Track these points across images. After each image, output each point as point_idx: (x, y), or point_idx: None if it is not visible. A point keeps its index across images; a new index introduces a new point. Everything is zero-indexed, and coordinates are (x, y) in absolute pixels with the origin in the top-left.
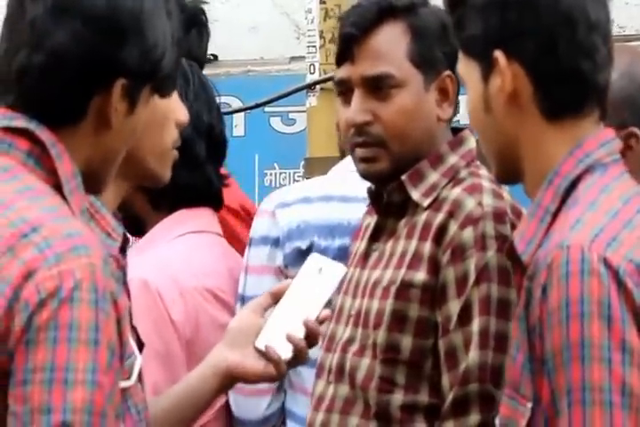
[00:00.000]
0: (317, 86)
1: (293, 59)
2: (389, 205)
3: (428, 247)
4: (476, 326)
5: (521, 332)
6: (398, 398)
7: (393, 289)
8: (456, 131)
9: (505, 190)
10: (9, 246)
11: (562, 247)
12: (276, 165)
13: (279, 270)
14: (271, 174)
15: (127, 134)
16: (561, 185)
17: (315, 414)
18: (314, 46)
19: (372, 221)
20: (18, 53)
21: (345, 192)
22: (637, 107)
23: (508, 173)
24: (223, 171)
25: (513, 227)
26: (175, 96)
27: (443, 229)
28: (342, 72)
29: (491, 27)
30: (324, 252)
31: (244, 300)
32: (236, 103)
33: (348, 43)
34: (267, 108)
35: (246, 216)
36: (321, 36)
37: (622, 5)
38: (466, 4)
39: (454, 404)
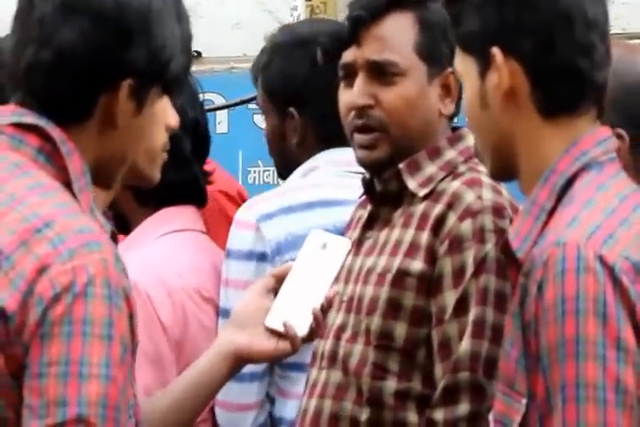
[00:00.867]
0: None
1: None
2: (384, 193)
3: (425, 237)
4: (471, 316)
5: (515, 328)
6: (391, 385)
7: (389, 277)
8: (454, 129)
9: (503, 187)
10: (22, 241)
11: (558, 245)
12: (259, 162)
13: None
14: (255, 172)
15: (134, 134)
16: (557, 183)
17: (308, 400)
18: None
19: (364, 212)
20: (26, 50)
21: (324, 196)
22: (623, 107)
23: (504, 169)
24: (209, 163)
25: (511, 222)
26: (166, 99)
27: (441, 220)
28: (347, 56)
29: (488, 23)
30: None
31: (226, 313)
32: (220, 100)
33: (357, 25)
34: (250, 105)
35: (242, 201)
36: None
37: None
38: (464, 0)
39: (444, 392)
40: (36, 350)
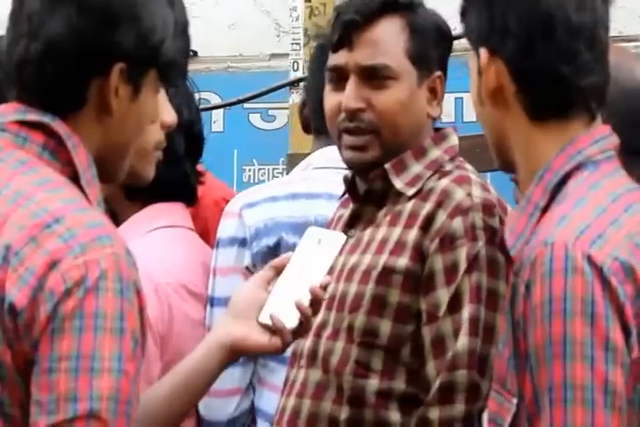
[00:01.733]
0: (300, 83)
1: (273, 56)
2: (369, 193)
3: (413, 235)
4: (466, 313)
5: (507, 327)
6: (374, 383)
7: (374, 274)
8: (437, 130)
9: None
10: (31, 236)
11: (546, 244)
12: (254, 160)
13: (247, 270)
14: (250, 170)
15: (133, 122)
16: (551, 181)
17: (286, 399)
18: (298, 44)
19: (345, 212)
20: (18, 46)
21: (310, 189)
22: (617, 111)
23: (507, 164)
24: (200, 168)
25: (500, 220)
26: (163, 96)
27: (431, 218)
28: (338, 58)
29: (482, 22)
30: (292, 248)
31: (213, 301)
32: (216, 99)
33: (349, 29)
34: (246, 105)
35: None
36: (305, 34)
37: None
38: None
39: (441, 390)
40: (46, 346)
